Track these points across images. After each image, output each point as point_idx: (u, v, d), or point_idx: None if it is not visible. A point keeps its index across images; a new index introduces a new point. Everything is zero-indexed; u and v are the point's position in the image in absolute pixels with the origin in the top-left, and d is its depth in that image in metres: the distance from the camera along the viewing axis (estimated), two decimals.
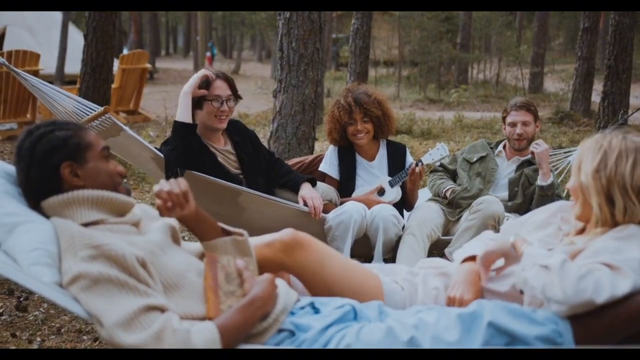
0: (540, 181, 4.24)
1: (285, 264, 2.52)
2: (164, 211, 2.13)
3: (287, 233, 2.57)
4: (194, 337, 1.90)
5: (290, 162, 4.66)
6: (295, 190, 4.06)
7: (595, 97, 12.74)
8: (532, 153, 4.33)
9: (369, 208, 4.07)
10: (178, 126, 3.78)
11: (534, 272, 2.15)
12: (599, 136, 2.37)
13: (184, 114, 3.78)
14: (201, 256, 2.37)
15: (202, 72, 3.90)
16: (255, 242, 2.55)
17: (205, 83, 3.87)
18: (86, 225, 2.09)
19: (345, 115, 4.21)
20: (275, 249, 2.52)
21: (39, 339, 3.40)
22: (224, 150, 4.04)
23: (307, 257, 2.52)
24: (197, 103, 3.88)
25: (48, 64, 12.95)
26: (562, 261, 2.08)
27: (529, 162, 4.45)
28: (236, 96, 4.00)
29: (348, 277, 2.54)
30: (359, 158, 4.38)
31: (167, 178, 3.70)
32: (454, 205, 4.38)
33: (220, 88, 3.91)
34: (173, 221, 2.39)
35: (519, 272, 2.41)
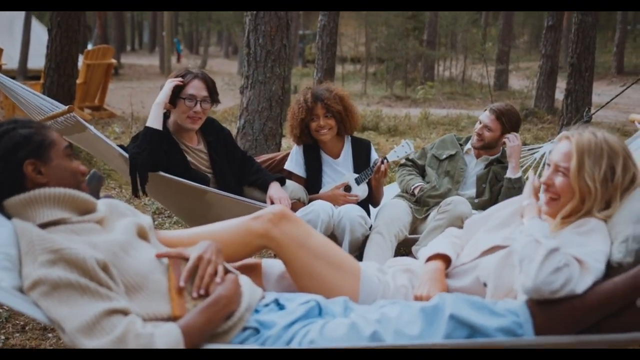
0: (510, 174, 4.30)
1: (272, 234, 2.55)
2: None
3: (276, 206, 2.67)
4: (157, 340, 1.88)
5: (261, 158, 4.65)
6: (264, 189, 4.05)
7: (559, 95, 12.94)
8: (504, 145, 4.39)
9: (338, 204, 4.10)
10: (148, 132, 3.77)
11: (525, 241, 2.19)
12: (590, 135, 2.38)
13: (154, 122, 3.77)
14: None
15: (174, 81, 3.86)
16: (243, 218, 2.61)
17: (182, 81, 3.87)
18: (49, 224, 2.08)
19: (303, 111, 4.21)
20: (264, 220, 2.57)
21: (2, 336, 3.37)
22: (195, 149, 4.02)
23: (293, 228, 2.57)
24: (172, 101, 3.87)
25: (10, 59, 12.76)
26: (553, 248, 2.12)
27: (498, 161, 4.50)
28: (213, 98, 3.98)
29: (330, 254, 2.57)
30: (324, 156, 4.39)
31: (132, 178, 3.70)
32: (422, 203, 4.40)
33: (196, 88, 3.88)
34: (141, 218, 2.39)
35: (485, 263, 2.46)
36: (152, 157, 3.73)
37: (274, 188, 4.02)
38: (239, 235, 2.59)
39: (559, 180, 2.41)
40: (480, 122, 4.47)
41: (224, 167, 4.08)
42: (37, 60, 11.31)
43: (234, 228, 2.62)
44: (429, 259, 2.69)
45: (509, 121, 4.42)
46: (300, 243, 2.55)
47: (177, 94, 3.86)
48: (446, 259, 2.67)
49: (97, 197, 2.45)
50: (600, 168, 2.33)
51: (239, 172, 4.19)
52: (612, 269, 2.20)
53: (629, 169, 2.36)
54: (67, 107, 3.81)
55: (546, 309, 2.11)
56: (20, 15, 16.11)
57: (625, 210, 2.30)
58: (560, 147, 2.44)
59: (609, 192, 2.34)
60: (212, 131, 4.13)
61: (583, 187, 2.34)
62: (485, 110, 4.53)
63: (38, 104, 4.13)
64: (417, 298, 2.52)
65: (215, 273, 2.19)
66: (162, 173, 3.78)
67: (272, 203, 3.91)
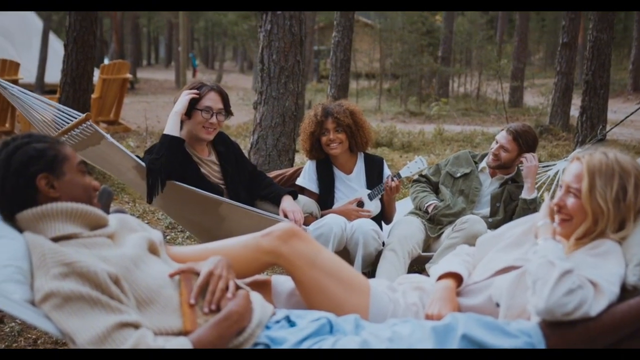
0: (525, 194, 4.27)
1: (281, 251, 2.55)
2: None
3: (286, 224, 2.66)
4: None
5: (272, 174, 4.66)
6: (277, 202, 4.06)
7: (574, 112, 12.87)
8: (520, 164, 4.36)
9: (350, 219, 4.09)
10: (166, 139, 3.79)
11: (538, 262, 2.17)
12: (601, 156, 2.37)
13: (172, 130, 3.80)
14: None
15: (190, 93, 3.89)
16: (252, 235, 2.61)
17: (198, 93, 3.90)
18: (61, 238, 2.08)
19: (313, 125, 4.26)
20: (273, 237, 2.57)
21: None
22: (207, 160, 4.04)
23: (303, 246, 2.56)
24: (187, 112, 3.89)
25: (28, 73, 12.86)
26: (567, 270, 2.09)
27: (513, 180, 4.47)
28: (227, 111, 4.02)
29: (339, 272, 2.56)
30: (336, 171, 4.40)
31: (149, 187, 3.71)
32: (435, 222, 4.38)
33: (213, 100, 3.92)
34: (152, 233, 2.39)
35: (498, 283, 2.44)
36: (170, 162, 3.76)
37: (287, 201, 4.03)
38: (248, 252, 2.58)
39: (570, 201, 2.39)
40: (497, 142, 4.43)
41: (235, 178, 4.10)
42: (55, 74, 11.39)
43: (244, 244, 2.61)
44: (441, 277, 2.67)
45: (525, 142, 4.38)
46: (309, 260, 2.54)
47: (192, 105, 3.89)
48: (458, 278, 2.65)
49: (108, 212, 2.46)
50: (611, 188, 2.31)
51: (250, 184, 4.20)
52: (627, 292, 2.18)
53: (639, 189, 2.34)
54: (84, 114, 3.81)
55: (559, 330, 2.09)
56: (38, 30, 16.26)
57: None
58: (572, 169, 2.43)
59: (622, 212, 2.32)
60: (222, 143, 4.16)
61: (595, 208, 2.32)
62: (502, 130, 4.49)
63: (53, 116, 4.14)
64: (429, 317, 2.51)
65: (226, 288, 2.19)
66: (177, 182, 3.80)
67: (285, 216, 3.91)
